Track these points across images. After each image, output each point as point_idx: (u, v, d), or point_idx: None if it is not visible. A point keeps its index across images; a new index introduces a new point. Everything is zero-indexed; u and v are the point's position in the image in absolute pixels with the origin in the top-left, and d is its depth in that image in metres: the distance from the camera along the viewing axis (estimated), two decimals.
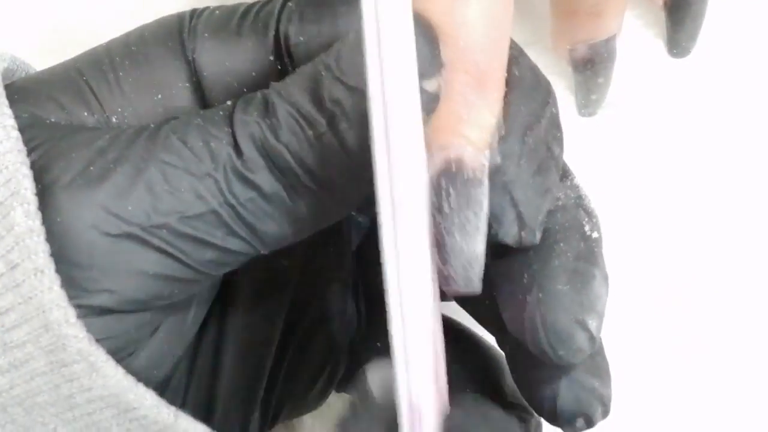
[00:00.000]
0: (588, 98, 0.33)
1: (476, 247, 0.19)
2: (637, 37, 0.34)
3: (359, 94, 0.18)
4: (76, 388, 0.19)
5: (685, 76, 0.33)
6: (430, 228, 0.18)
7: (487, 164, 0.19)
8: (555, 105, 0.20)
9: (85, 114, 0.21)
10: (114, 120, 0.21)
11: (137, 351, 0.21)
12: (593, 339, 0.19)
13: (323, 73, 0.18)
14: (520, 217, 0.20)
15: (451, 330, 0.27)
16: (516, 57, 0.20)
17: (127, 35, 0.22)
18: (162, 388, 0.22)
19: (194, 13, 0.22)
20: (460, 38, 0.18)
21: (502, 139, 0.19)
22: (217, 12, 0.22)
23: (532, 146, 0.19)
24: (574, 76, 0.32)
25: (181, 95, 0.22)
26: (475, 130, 0.19)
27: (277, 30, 0.21)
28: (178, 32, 0.22)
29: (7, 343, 0.18)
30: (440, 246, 0.19)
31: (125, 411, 0.19)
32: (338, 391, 0.31)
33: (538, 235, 0.20)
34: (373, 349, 0.28)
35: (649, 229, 0.32)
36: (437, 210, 0.19)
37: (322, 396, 0.30)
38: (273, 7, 0.22)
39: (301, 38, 0.21)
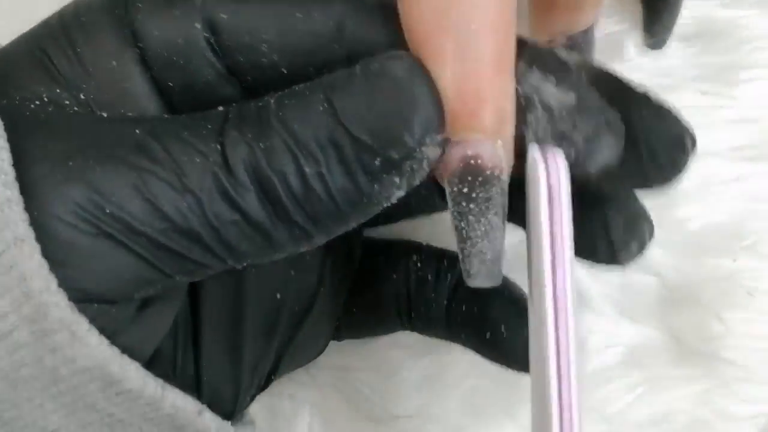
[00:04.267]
0: None
1: (500, 246, 0.20)
2: (613, 25, 0.33)
3: (360, 143, 0.18)
4: (60, 360, 0.18)
5: (659, 65, 0.33)
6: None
7: (504, 158, 0.19)
8: None
9: (58, 91, 0.20)
10: (82, 97, 0.21)
11: (123, 328, 0.20)
12: (695, 144, 0.20)
13: (324, 107, 0.18)
14: (616, 132, 0.20)
15: None
16: None
17: (76, 4, 0.22)
18: (151, 359, 0.22)
19: None
20: (473, 21, 0.18)
21: (557, 83, 0.19)
22: None
23: None
24: None
25: (134, 60, 0.21)
26: (493, 119, 0.19)
27: (204, 1, 0.21)
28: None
29: None
30: (462, 246, 0.20)
31: (110, 384, 0.19)
32: (338, 339, 0.31)
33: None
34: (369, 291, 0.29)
35: None
36: (458, 214, 0.19)
37: (321, 345, 0.30)
38: None
39: (224, 16, 0.21)
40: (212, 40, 0.21)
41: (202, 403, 0.22)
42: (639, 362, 0.31)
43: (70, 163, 0.18)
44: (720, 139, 0.32)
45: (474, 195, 0.19)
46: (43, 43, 0.21)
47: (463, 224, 0.19)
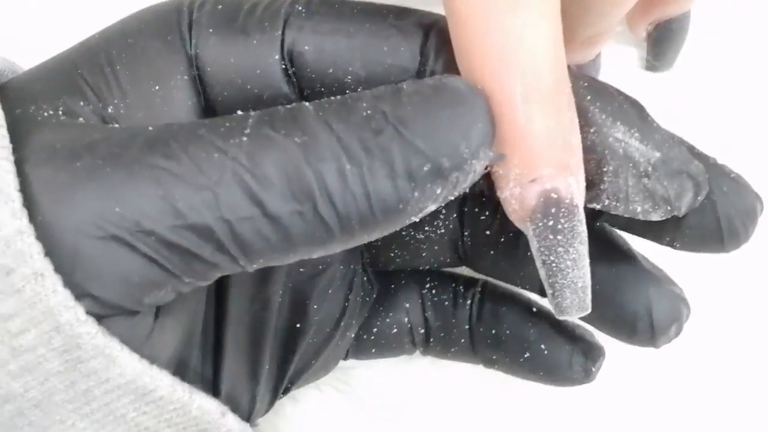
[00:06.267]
0: None
1: (588, 273, 0.20)
2: (619, 49, 0.34)
3: (411, 147, 0.18)
4: (94, 382, 0.18)
5: (663, 85, 0.33)
6: None
7: (576, 189, 0.19)
8: None
9: (81, 104, 0.20)
10: (110, 110, 0.20)
11: (140, 343, 0.19)
12: (763, 209, 0.22)
13: (368, 113, 0.18)
14: (697, 185, 0.21)
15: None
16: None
17: (123, 25, 0.22)
18: (174, 369, 0.22)
19: (193, 4, 0.22)
20: (537, 61, 0.18)
21: (642, 139, 0.20)
22: (221, 6, 0.22)
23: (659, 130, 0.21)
24: None
25: (180, 87, 0.21)
26: (563, 155, 0.19)
27: (283, 31, 0.21)
28: (176, 24, 0.21)
29: (16, 348, 0.17)
30: (554, 281, 0.20)
31: (142, 395, 0.19)
32: (344, 359, 0.31)
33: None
34: (382, 316, 0.29)
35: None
36: (546, 249, 0.19)
37: (333, 362, 0.29)
38: (280, 7, 0.21)
39: (307, 47, 0.21)
40: (290, 72, 0.21)
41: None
42: (637, 362, 0.31)
43: (78, 164, 0.17)
44: (719, 139, 0.32)
45: (560, 226, 0.19)
46: (79, 62, 0.21)
47: (552, 257, 0.19)
